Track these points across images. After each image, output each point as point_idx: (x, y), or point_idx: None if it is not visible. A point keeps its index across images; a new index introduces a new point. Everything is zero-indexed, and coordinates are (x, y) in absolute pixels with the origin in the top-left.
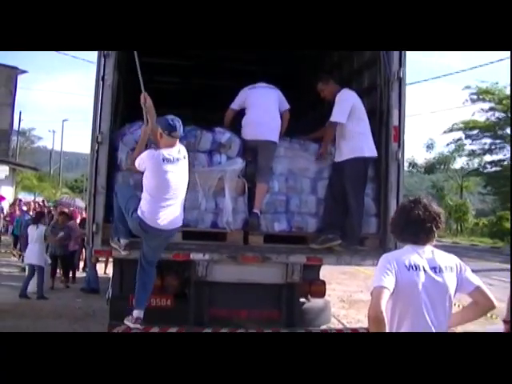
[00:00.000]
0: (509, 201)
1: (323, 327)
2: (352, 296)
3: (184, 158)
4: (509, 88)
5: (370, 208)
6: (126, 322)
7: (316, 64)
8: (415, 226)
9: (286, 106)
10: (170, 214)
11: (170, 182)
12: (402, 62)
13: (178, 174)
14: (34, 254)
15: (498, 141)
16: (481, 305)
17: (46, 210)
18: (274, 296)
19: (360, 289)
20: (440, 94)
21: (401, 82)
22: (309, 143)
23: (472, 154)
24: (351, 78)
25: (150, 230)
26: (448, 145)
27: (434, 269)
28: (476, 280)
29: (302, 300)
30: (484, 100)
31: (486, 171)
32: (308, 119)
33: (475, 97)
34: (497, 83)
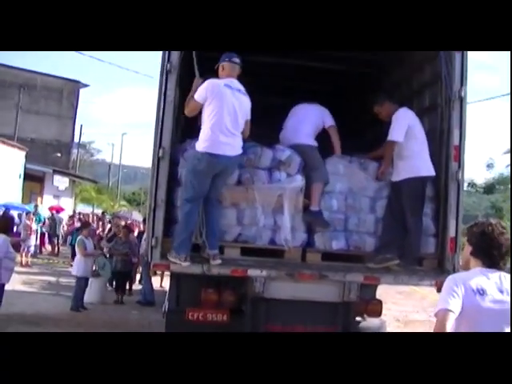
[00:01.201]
0: None
1: None
2: (408, 316)
3: (244, 94)
4: None
5: (428, 228)
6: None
7: (376, 83)
8: (494, 250)
9: (330, 122)
10: (231, 141)
11: (229, 105)
12: (463, 81)
13: (237, 103)
14: (76, 264)
15: None
16: None
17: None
18: (330, 314)
19: (416, 309)
20: (501, 113)
21: (462, 101)
22: (368, 162)
23: None
24: (412, 97)
25: (218, 158)
26: (508, 166)
27: (501, 292)
28: None
29: (358, 319)
30: None
31: None
32: (367, 138)
33: None
34: None
